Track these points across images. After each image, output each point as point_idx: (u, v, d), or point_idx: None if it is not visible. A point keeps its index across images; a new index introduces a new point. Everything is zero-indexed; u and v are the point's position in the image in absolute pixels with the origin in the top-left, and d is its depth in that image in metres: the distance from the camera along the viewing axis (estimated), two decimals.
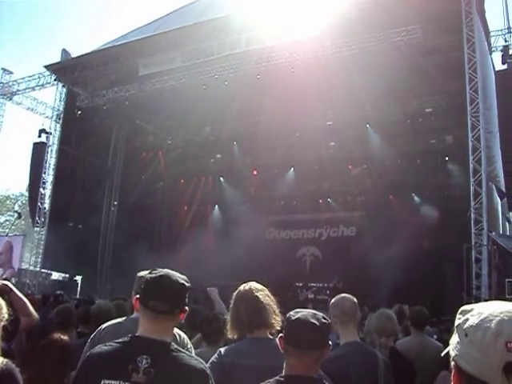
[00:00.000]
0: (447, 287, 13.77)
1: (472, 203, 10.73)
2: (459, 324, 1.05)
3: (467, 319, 1.03)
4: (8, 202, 39.58)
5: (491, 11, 12.69)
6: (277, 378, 1.82)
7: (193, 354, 2.00)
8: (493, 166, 11.13)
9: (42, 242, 16.90)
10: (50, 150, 17.55)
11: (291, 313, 1.87)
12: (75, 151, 17.14)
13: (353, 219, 17.94)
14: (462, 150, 12.44)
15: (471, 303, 1.10)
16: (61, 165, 16.99)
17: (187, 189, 20.82)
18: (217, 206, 20.66)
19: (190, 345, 2.67)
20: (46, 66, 16.96)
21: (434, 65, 13.49)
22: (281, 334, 1.88)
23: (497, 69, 13.27)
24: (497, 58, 13.56)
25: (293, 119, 16.99)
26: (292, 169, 18.75)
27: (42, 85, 17.63)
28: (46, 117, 18.65)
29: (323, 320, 1.83)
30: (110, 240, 18.85)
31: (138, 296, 1.87)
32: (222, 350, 2.40)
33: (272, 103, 15.14)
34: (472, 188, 10.80)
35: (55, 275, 18.13)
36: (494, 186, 11.20)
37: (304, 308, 1.95)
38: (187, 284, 1.86)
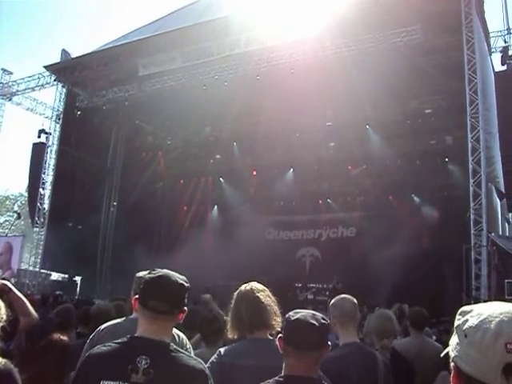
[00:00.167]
0: (446, 288, 13.78)
1: (471, 204, 10.74)
2: (458, 325, 1.05)
3: (467, 320, 1.03)
4: (7, 202, 39.61)
5: (491, 12, 12.74)
6: (276, 378, 1.82)
7: (192, 355, 2.00)
8: (492, 167, 11.14)
9: (42, 243, 16.91)
10: (49, 150, 17.58)
11: (290, 313, 1.87)
12: (75, 151, 17.13)
13: (352, 220, 17.94)
14: (461, 150, 12.45)
15: (470, 304, 1.10)
16: (60, 165, 17.00)
17: (187, 189, 20.83)
18: (216, 207, 20.66)
19: (188, 345, 2.67)
20: (45, 67, 16.97)
21: (433, 65, 13.49)
22: (280, 335, 1.88)
23: (496, 70, 13.28)
24: (496, 59, 13.60)
25: (292, 119, 16.99)
26: (292, 169, 18.75)
27: (42, 85, 17.64)
28: (46, 117, 18.68)
29: (322, 320, 1.83)
30: (109, 240, 18.83)
31: (137, 296, 1.87)
32: (222, 350, 2.40)
33: (272, 103, 15.14)
34: (471, 189, 10.80)
35: (54, 275, 18.12)
36: (493, 187, 11.20)
37: (303, 309, 1.95)
38: (186, 284, 1.86)
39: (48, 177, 17.52)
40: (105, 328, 2.65)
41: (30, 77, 17.84)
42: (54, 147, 17.41)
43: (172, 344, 1.82)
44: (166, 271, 1.87)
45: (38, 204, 17.37)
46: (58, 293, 9.47)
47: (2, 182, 63.94)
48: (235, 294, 2.55)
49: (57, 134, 17.46)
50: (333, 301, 2.88)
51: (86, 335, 3.14)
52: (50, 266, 16.87)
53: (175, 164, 20.74)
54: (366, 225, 16.77)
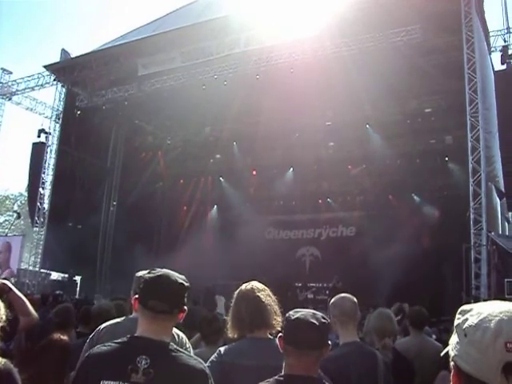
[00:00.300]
0: (446, 287, 13.79)
1: (471, 203, 10.73)
2: (458, 324, 1.05)
3: (466, 319, 1.03)
4: (7, 202, 39.62)
5: (490, 11, 12.73)
6: (276, 377, 1.82)
7: (192, 354, 1.99)
8: (492, 166, 11.14)
9: (42, 242, 16.90)
10: (49, 150, 17.57)
11: (290, 312, 1.87)
12: (74, 151, 17.12)
13: (352, 219, 17.94)
14: (461, 150, 12.44)
15: (470, 303, 1.10)
16: (60, 165, 16.99)
17: (187, 189, 20.81)
18: (216, 207, 20.65)
19: (188, 344, 2.67)
20: (45, 66, 16.95)
21: (433, 65, 13.49)
22: (280, 334, 1.88)
23: (496, 69, 13.28)
24: (496, 58, 13.60)
25: (292, 119, 16.99)
26: (291, 169, 18.74)
27: (42, 85, 17.62)
28: (46, 117, 18.67)
29: (322, 320, 1.83)
30: (109, 240, 18.83)
31: (136, 296, 1.87)
32: (222, 349, 2.40)
33: (271, 103, 15.13)
34: (471, 188, 10.80)
35: (54, 275, 18.12)
36: (493, 186, 11.20)
37: (303, 308, 1.95)
38: (186, 284, 1.86)
39: (48, 176, 17.52)
40: (104, 327, 2.64)
41: (29, 76, 17.83)
42: (54, 147, 17.40)
43: (172, 344, 1.82)
44: (165, 271, 1.87)
45: (38, 204, 17.36)
46: (57, 292, 9.46)
47: (2, 181, 64.02)
48: (235, 293, 2.55)
49: (56, 133, 17.45)
50: (333, 300, 2.88)
51: (86, 335, 3.14)
52: (49, 266, 16.86)
53: (175, 164, 20.73)
54: (365, 224, 16.77)
